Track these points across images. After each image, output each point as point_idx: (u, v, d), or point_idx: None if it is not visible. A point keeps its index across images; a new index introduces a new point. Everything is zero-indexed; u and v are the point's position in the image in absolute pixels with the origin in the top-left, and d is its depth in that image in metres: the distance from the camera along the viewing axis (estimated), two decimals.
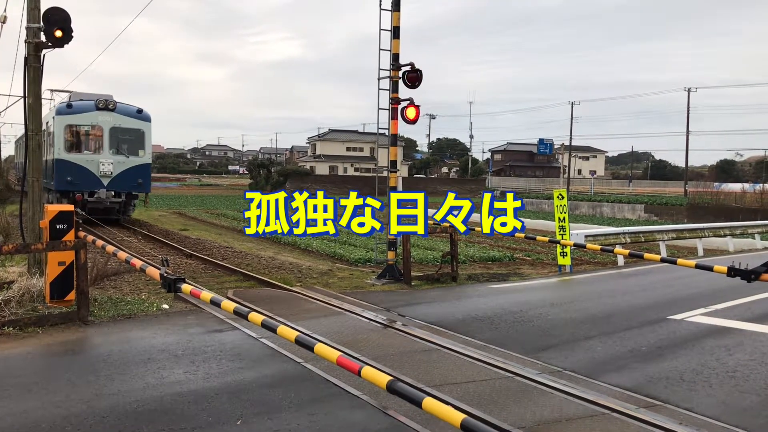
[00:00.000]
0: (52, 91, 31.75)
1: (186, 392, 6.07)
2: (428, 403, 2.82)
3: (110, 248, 7.62)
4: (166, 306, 9.87)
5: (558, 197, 15.51)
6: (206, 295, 4.92)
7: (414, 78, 12.67)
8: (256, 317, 4.16)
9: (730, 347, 8.26)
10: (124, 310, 9.46)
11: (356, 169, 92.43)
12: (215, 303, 4.75)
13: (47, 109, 28.02)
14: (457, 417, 2.63)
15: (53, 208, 8.63)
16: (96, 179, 22.99)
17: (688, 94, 67.90)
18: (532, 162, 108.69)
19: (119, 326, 8.65)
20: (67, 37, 9.73)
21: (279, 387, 6.30)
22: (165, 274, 5.48)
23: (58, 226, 8.54)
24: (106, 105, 23.31)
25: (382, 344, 8.05)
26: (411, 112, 12.88)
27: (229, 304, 4.55)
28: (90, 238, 8.57)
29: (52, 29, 9.65)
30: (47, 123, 24.12)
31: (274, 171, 73.23)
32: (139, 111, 24.25)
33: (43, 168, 23.85)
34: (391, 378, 3.06)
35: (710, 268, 7.90)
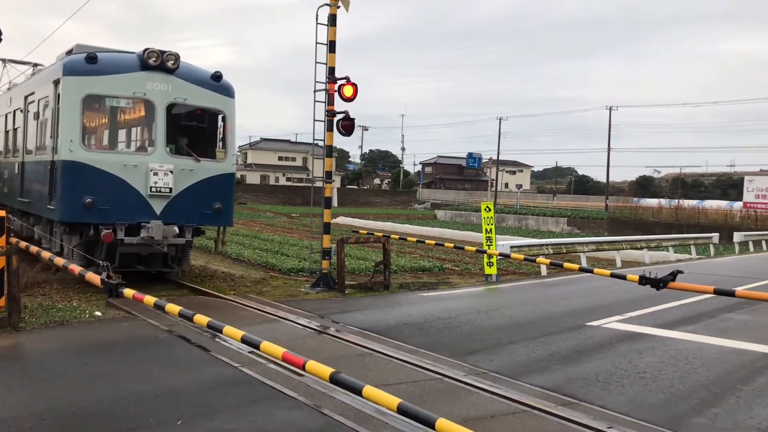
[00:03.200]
0: (3, 61, 23.43)
1: (125, 395, 6.18)
2: (368, 390, 3.13)
3: (46, 254, 7.62)
4: (98, 313, 9.84)
5: (485, 210, 16.13)
6: (150, 299, 5.09)
7: (350, 95, 13.03)
8: (201, 319, 4.37)
9: (641, 351, 8.89)
10: (56, 317, 9.39)
11: (288, 179, 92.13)
12: (159, 307, 4.93)
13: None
14: (394, 401, 2.95)
15: None
16: (141, 201, 11.58)
17: (610, 112, 70.91)
18: (462, 175, 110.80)
19: (52, 332, 8.61)
20: None
21: (217, 390, 6.48)
22: (106, 280, 5.62)
23: None
24: (161, 61, 11.76)
25: (318, 349, 8.31)
26: (346, 126, 13.21)
27: (173, 308, 4.75)
28: (23, 244, 8.52)
29: None
30: (34, 94, 13.85)
31: None
32: (216, 77, 12.67)
33: (17, 177, 14.63)
34: (333, 370, 3.36)
35: (623, 277, 8.54)
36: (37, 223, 13.61)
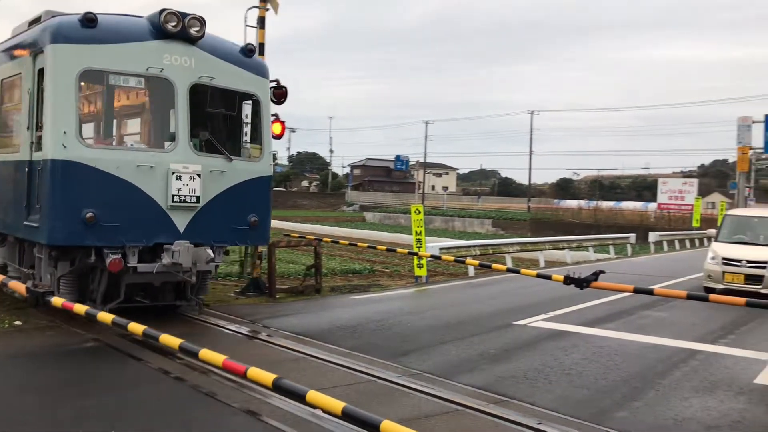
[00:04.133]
0: None
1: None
2: (312, 395, 3.17)
3: None
4: (18, 322, 9.45)
5: (415, 212, 16.35)
6: (80, 307, 4.96)
7: (280, 95, 12.93)
8: (136, 327, 4.30)
9: (566, 348, 9.23)
10: None
11: None
12: (91, 315, 4.82)
13: None
14: (338, 405, 3.00)
15: None
16: (160, 215, 8.93)
17: (531, 116, 73.02)
18: (390, 177, 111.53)
19: None
20: None
21: (151, 398, 6.36)
22: (32, 288, 5.44)
23: None
24: (182, 27, 9.12)
25: (250, 354, 8.24)
26: (277, 128, 13.14)
27: (106, 316, 4.65)
28: None
29: None
30: (7, 67, 10.35)
31: None
32: (248, 50, 10.14)
33: None
34: (276, 376, 3.38)
35: (549, 277, 8.86)
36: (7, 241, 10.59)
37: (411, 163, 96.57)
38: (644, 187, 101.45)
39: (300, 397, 3.26)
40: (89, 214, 8.28)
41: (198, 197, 9.07)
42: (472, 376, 7.67)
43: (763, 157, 38.39)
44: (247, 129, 10.50)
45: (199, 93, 9.40)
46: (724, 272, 14.87)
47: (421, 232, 16.12)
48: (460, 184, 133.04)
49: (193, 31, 9.13)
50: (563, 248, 24.52)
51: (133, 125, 11.08)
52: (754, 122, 33.45)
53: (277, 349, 8.60)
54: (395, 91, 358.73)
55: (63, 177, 8.38)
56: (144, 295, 9.79)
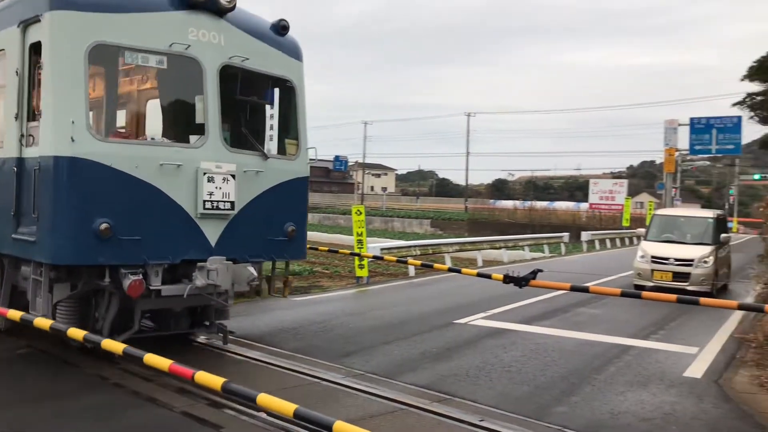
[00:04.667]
0: None
1: None
2: (262, 398, 3.15)
3: None
4: None
5: (356, 213, 16.38)
6: (14, 313, 4.79)
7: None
8: (76, 333, 4.18)
9: (506, 346, 9.43)
10: None
11: None
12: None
13: None
14: (290, 407, 3.00)
15: None
16: (188, 225, 7.35)
17: (468, 118, 74.06)
18: (329, 178, 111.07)
19: None
20: None
21: (82, 396, 6.19)
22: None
23: None
24: None
25: (191, 360, 8.10)
26: None
27: (44, 322, 4.50)
28: None
29: None
30: None
31: None
32: (282, 27, 8.44)
33: None
34: (225, 380, 3.35)
35: (489, 276, 9.03)
36: None
37: (350, 164, 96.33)
38: (576, 188, 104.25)
39: (250, 400, 3.23)
40: (104, 225, 6.61)
41: (232, 203, 7.54)
42: (415, 375, 7.75)
43: (689, 158, 40.09)
44: (274, 122, 8.88)
45: (228, 77, 7.84)
46: (653, 270, 15.47)
47: (362, 233, 16.16)
48: (398, 184, 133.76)
49: (223, 0, 7.56)
50: (500, 248, 24.99)
51: (152, 115, 8.98)
52: (680, 125, 34.85)
53: (218, 353, 8.48)
54: (334, 92, 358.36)
55: (71, 178, 6.66)
56: (157, 320, 8.31)
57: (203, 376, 3.43)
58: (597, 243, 32.85)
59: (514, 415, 6.46)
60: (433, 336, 9.90)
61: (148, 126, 8.94)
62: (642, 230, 18.77)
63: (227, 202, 7.49)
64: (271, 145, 8.73)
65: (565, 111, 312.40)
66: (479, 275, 9.55)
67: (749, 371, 8.50)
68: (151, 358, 3.75)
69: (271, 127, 8.78)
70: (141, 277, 6.86)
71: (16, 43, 7.39)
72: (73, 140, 6.59)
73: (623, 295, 8.24)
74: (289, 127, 8.71)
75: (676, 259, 15.29)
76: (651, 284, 15.15)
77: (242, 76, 8.09)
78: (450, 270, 10.77)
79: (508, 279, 8.68)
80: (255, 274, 7.67)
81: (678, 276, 15.15)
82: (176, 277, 7.32)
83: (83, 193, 6.68)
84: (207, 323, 8.35)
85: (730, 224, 32.59)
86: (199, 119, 7.73)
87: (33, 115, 7.22)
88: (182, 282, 7.28)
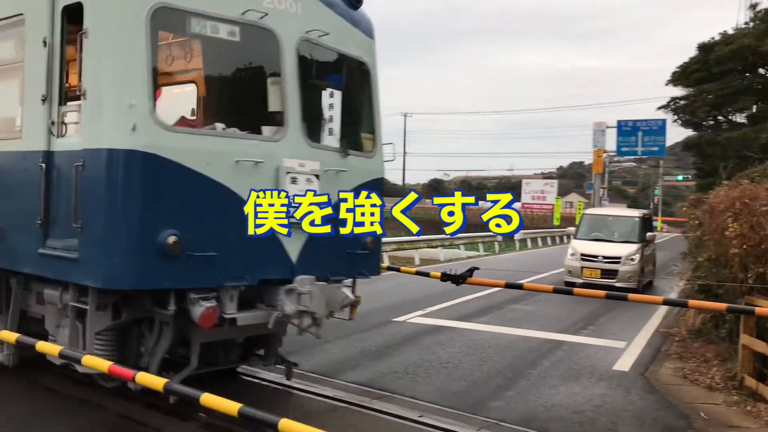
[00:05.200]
0: None
1: None
2: (206, 398, 3.14)
3: None
4: None
5: None
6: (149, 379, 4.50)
7: None
8: (8, 335, 4.07)
9: (443, 342, 9.59)
10: None
11: None
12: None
13: None
14: (234, 407, 3.00)
15: None
16: (267, 237, 5.56)
17: (405, 118, 74.67)
18: None
19: None
20: None
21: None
22: None
23: None
24: None
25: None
26: None
27: (9, 336, 4.35)
28: None
29: None
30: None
31: None
32: (355, 0, 6.92)
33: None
34: (167, 380, 3.32)
35: (427, 275, 9.15)
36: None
37: None
38: (509, 188, 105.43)
39: (194, 400, 3.22)
40: (172, 239, 5.12)
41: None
42: (355, 373, 7.80)
43: (616, 159, 41.51)
44: (345, 111, 7.01)
45: (303, 55, 6.40)
46: (582, 267, 15.98)
47: None
48: None
49: None
50: (437, 246, 25.32)
51: (219, 99, 7.43)
52: (608, 127, 36.06)
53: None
54: None
55: (133, 178, 5.16)
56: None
57: (143, 377, 3.38)
58: (529, 241, 33.65)
59: (452, 410, 6.60)
60: (373, 334, 9.98)
61: (216, 113, 7.06)
62: (572, 229, 19.38)
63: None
64: (363, 140, 7.24)
65: (499, 113, 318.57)
66: (418, 273, 9.66)
67: (673, 364, 8.91)
68: (90, 360, 3.68)
69: (345, 118, 7.03)
70: (215, 303, 5.43)
71: (42, 5, 5.80)
72: (134, 129, 5.10)
73: (555, 291, 8.49)
74: (364, 118, 7.27)
75: (605, 257, 15.84)
76: (581, 281, 15.64)
77: (317, 56, 6.72)
78: (389, 269, 10.81)
79: (445, 277, 8.79)
80: (351, 297, 6.50)
81: (606, 273, 15.69)
82: (246, 301, 5.84)
83: (147, 198, 5.20)
84: (261, 353, 6.91)
85: (654, 223, 33.91)
86: (272, 106, 6.32)
87: (66, 96, 5.79)
88: (257, 307, 5.89)
